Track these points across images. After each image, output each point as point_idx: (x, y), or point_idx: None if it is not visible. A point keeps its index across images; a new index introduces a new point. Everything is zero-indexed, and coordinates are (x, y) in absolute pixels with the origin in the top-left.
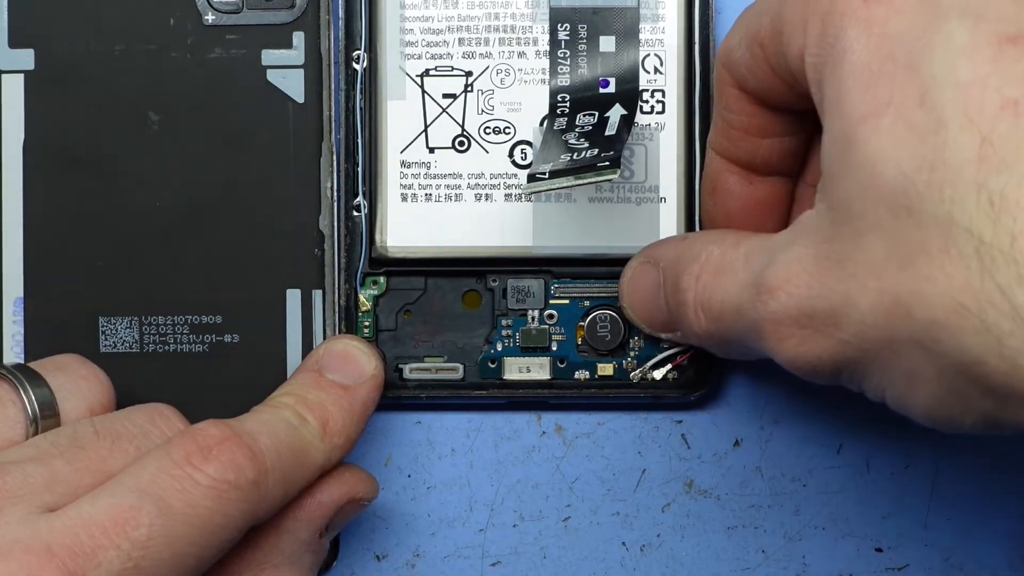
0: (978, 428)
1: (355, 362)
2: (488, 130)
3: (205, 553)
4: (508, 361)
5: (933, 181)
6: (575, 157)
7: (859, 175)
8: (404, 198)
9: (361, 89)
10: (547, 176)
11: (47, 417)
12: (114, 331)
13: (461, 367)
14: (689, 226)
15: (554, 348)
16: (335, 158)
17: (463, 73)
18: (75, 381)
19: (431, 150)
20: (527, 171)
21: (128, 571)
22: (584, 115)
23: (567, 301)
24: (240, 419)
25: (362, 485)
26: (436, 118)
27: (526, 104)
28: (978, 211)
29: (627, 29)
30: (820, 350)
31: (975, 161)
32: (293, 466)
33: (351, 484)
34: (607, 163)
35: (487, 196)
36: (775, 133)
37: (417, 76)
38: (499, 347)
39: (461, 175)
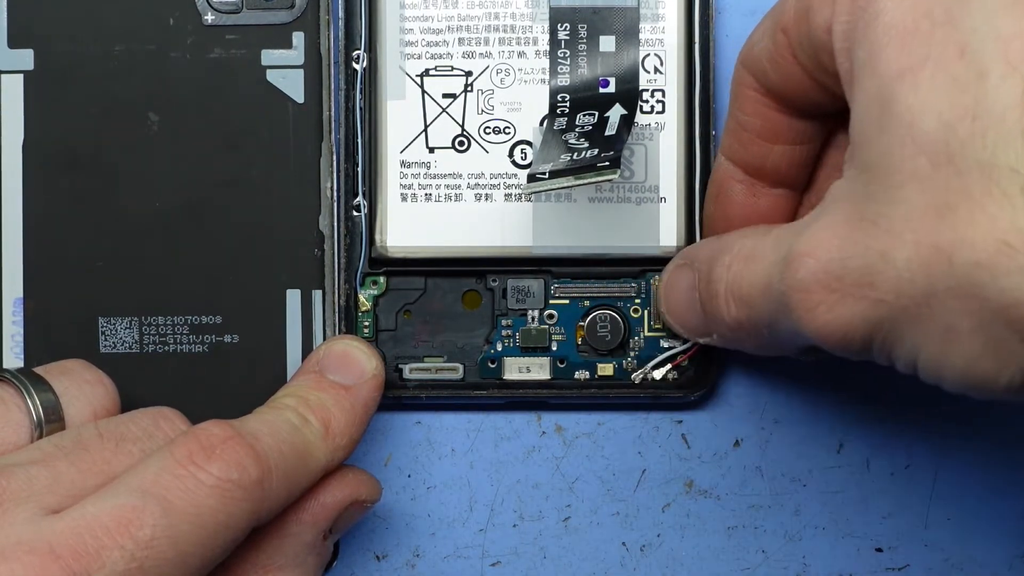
0: (1015, 386)
1: (355, 362)
2: (488, 130)
3: (209, 553)
4: (508, 361)
5: (976, 128)
6: (575, 157)
7: (898, 129)
8: (404, 198)
9: (361, 89)
10: (547, 176)
11: (52, 421)
12: (114, 331)
13: (461, 367)
14: (689, 226)
15: (554, 348)
16: (335, 158)
17: (463, 73)
18: (80, 385)
19: (431, 150)
20: (527, 171)
21: (132, 571)
22: (584, 115)
23: (567, 301)
24: (242, 420)
25: (365, 487)
26: (436, 118)
27: (526, 104)
28: (1023, 152)
29: (627, 29)
30: (852, 314)
31: (1019, 106)
32: (296, 466)
33: (354, 486)
34: (607, 163)
35: (487, 196)
36: (788, 140)
37: (417, 76)
38: (499, 347)
39: (461, 175)
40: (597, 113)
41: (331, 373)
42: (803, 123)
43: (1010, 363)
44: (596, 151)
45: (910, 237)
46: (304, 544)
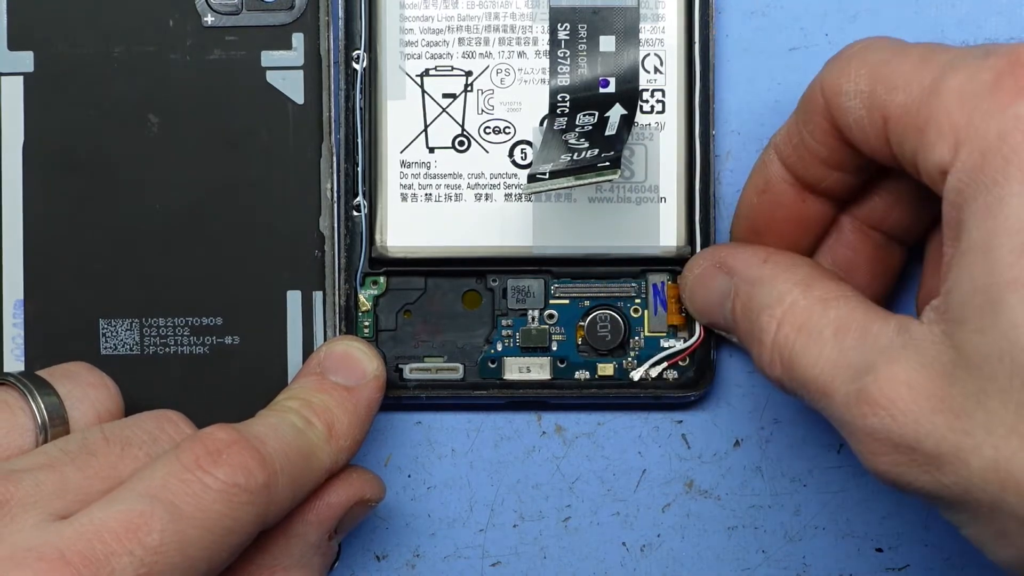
0: None
1: (356, 363)
2: (488, 130)
3: (216, 557)
4: (508, 361)
5: None
6: (575, 157)
7: (1001, 340)
8: (404, 198)
9: (361, 89)
10: (547, 176)
11: (56, 425)
12: (114, 333)
13: (461, 367)
14: (689, 226)
15: (554, 348)
16: (335, 159)
17: (463, 73)
18: (83, 389)
19: (431, 150)
20: (527, 171)
21: None
22: (584, 115)
23: (567, 301)
24: (247, 423)
25: (369, 487)
26: (436, 118)
27: (526, 104)
28: None
29: (627, 29)
30: (914, 480)
31: None
32: (301, 469)
33: (359, 486)
34: (607, 163)
35: (487, 196)
36: (850, 170)
37: (417, 76)
38: (499, 347)
39: (461, 175)
40: (597, 113)
41: (333, 374)
42: (870, 159)
43: None
44: (596, 151)
45: (990, 452)
46: (310, 544)
